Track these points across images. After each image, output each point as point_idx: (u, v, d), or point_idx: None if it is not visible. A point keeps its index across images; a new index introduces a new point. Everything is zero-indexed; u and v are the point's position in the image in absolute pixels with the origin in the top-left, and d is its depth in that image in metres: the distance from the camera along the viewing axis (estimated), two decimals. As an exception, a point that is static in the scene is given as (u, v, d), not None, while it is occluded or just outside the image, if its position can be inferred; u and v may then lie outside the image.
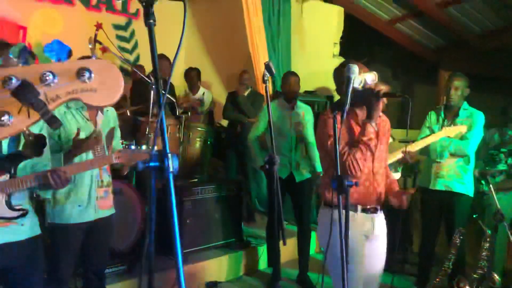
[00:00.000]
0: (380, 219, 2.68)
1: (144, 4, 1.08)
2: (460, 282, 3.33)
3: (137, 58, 6.93)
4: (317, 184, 3.97)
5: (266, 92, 2.14)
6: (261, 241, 4.68)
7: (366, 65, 6.94)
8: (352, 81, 1.88)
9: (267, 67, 2.13)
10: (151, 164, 1.03)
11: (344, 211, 1.80)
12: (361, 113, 2.56)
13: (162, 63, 5.27)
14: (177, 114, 4.74)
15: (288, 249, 4.79)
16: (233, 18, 6.15)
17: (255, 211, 5.69)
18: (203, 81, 6.72)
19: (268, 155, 2.16)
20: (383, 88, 2.38)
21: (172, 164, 1.04)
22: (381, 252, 2.71)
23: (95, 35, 3.88)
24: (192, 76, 6.15)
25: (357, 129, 2.53)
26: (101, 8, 6.64)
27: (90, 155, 2.63)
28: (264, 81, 2.16)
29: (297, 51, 6.09)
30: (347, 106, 1.83)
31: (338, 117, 1.90)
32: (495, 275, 3.47)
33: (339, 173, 1.77)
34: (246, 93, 5.57)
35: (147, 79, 4.20)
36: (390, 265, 5.04)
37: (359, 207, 2.55)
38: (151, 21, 1.10)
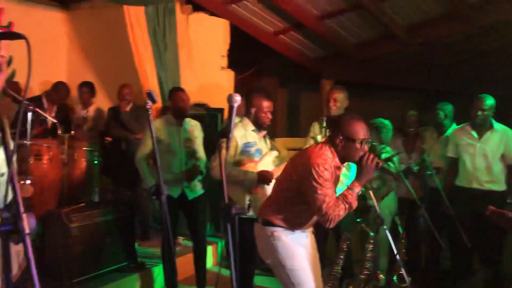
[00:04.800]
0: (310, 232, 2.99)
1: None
2: (349, 284, 3.55)
3: (12, 75, 6.41)
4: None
5: (150, 120, 2.08)
6: (158, 261, 4.56)
7: (253, 75, 6.99)
8: (234, 110, 1.91)
9: (149, 95, 2.08)
10: (2, 228, 0.90)
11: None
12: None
13: (59, 88, 5.47)
14: (58, 133, 4.46)
15: (185, 266, 4.74)
16: (116, 29, 5.95)
17: (150, 229, 5.55)
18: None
19: (154, 185, 2.11)
20: (380, 161, 2.66)
21: (28, 225, 0.92)
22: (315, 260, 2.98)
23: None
24: (83, 91, 5.89)
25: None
26: (-33, 20, 6.05)
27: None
28: (146, 110, 2.11)
29: (185, 63, 6.06)
30: (232, 134, 1.86)
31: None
32: (380, 274, 3.74)
33: (226, 201, 1.78)
34: (128, 108, 5.42)
35: (18, 97, 3.92)
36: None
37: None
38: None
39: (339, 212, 2.60)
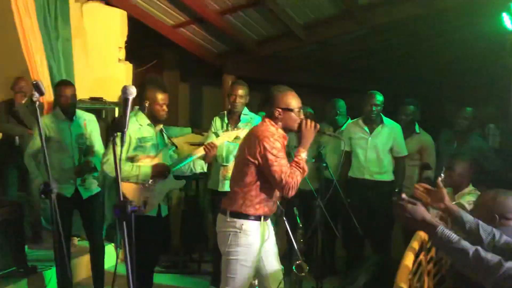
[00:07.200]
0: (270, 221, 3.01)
1: None
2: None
3: None
4: None
5: (37, 115, 1.94)
6: (51, 264, 4.30)
7: (153, 68, 6.83)
8: (129, 102, 1.84)
9: (36, 86, 1.93)
10: None
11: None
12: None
13: None
14: None
15: (81, 267, 4.54)
16: (1, 17, 5.49)
17: (42, 230, 5.22)
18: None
19: (43, 184, 1.97)
20: (318, 125, 2.86)
21: None
22: (275, 249, 3.04)
23: None
24: None
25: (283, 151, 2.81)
26: None
27: None
28: (33, 102, 1.96)
29: (80, 55, 5.73)
30: (126, 128, 1.79)
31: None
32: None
33: (121, 199, 1.72)
34: (24, 102, 5.06)
35: None
36: (188, 266, 5.21)
37: (262, 217, 2.87)
38: None
39: (297, 178, 2.76)
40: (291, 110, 2.84)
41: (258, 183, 2.82)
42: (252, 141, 2.80)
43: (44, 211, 5.25)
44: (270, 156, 2.71)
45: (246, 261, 2.84)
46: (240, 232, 2.82)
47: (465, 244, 1.86)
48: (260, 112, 4.83)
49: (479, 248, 1.83)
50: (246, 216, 2.84)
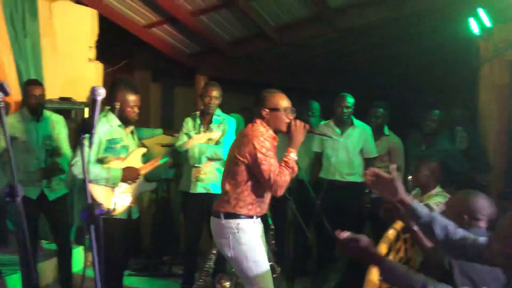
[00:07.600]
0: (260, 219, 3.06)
1: None
2: (221, 279, 3.58)
3: None
4: None
5: (1, 115, 1.88)
6: (16, 268, 4.19)
7: (124, 68, 6.72)
8: (97, 104, 1.81)
9: (0, 86, 1.87)
10: None
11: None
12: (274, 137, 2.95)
13: None
14: None
15: (49, 270, 4.44)
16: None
17: (8, 233, 5.08)
18: None
19: (7, 186, 1.91)
20: (308, 125, 2.94)
21: None
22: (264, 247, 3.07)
23: None
24: None
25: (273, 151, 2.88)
26: None
27: None
28: (-4, 104, 1.89)
29: (49, 54, 5.60)
30: (94, 130, 1.76)
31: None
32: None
33: (89, 201, 1.68)
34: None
35: None
36: (158, 269, 5.16)
37: (255, 216, 2.93)
38: None
39: (286, 177, 2.82)
40: (278, 110, 2.91)
41: (250, 183, 2.87)
42: (242, 140, 2.86)
43: (10, 213, 5.12)
44: (259, 155, 2.77)
45: (254, 256, 2.88)
46: (238, 231, 2.87)
47: (412, 278, 1.87)
48: (232, 114, 4.83)
49: (426, 283, 1.83)
50: (239, 216, 2.88)
